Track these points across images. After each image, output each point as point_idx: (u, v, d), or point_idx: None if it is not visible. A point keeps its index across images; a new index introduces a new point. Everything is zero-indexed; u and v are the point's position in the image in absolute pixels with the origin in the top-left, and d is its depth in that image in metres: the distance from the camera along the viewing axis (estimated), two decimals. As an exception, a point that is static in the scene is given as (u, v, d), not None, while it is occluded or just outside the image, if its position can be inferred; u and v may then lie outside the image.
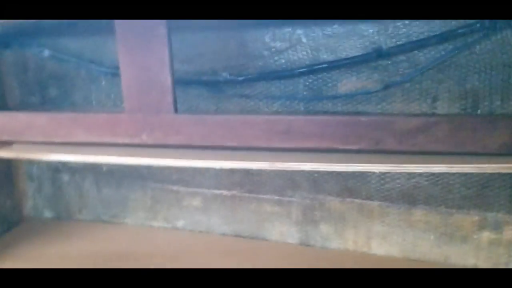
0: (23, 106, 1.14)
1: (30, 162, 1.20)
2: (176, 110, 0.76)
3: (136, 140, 0.79)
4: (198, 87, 1.01)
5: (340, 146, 0.70)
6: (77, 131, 0.81)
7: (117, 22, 0.74)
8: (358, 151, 0.70)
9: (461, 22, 0.83)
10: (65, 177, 1.19)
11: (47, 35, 1.08)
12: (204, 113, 0.80)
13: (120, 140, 0.79)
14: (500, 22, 0.80)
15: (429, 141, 0.67)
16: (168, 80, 0.75)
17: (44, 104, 1.13)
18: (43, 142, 0.83)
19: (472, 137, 0.65)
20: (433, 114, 0.85)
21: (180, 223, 1.14)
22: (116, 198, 1.16)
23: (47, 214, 1.24)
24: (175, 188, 1.11)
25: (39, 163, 1.20)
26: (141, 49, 0.74)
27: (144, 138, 0.78)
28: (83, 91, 1.11)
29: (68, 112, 0.83)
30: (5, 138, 0.85)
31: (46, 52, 1.06)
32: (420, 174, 0.92)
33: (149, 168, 1.11)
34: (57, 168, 1.19)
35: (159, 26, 0.73)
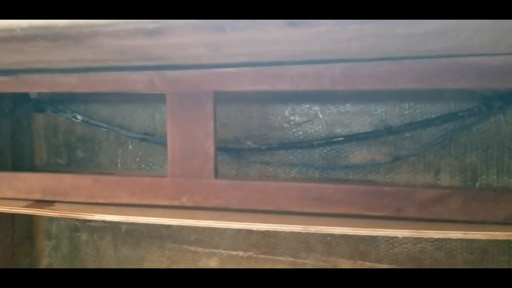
0: (50, 166, 1.19)
1: (50, 221, 1.24)
2: (216, 176, 0.84)
3: (176, 203, 0.86)
4: (221, 153, 1.10)
5: (366, 213, 0.79)
6: (120, 193, 0.87)
7: (168, 95, 0.84)
8: (382, 218, 0.79)
9: (461, 105, 0.96)
10: (83, 237, 1.23)
11: (80, 101, 1.17)
12: (240, 179, 0.88)
13: (161, 202, 0.86)
14: (494, 107, 0.93)
15: (444, 210, 0.76)
16: (211, 149, 0.83)
17: (70, 165, 1.20)
18: (86, 202, 0.89)
19: (482, 208, 0.75)
20: (448, 187, 0.96)
21: (195, 284, 1.17)
22: (133, 258, 1.20)
23: (61, 272, 1.26)
24: (192, 248, 1.16)
25: (58, 222, 1.23)
26: (189, 120, 0.84)
27: (184, 201, 0.85)
28: (109, 154, 1.18)
29: (113, 175, 0.90)
30: (49, 198, 0.90)
31: (79, 117, 1.14)
32: (426, 240, 1.02)
33: (168, 228, 1.17)
34: (75, 227, 1.23)
35: (206, 101, 0.82)
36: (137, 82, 0.84)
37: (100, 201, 0.88)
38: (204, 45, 0.69)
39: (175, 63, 0.83)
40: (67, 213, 0.86)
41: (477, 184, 0.98)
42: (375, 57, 0.75)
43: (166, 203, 0.86)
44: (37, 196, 0.92)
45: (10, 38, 0.65)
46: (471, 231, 0.73)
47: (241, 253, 1.13)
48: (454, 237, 0.74)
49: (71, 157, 1.20)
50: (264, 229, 0.81)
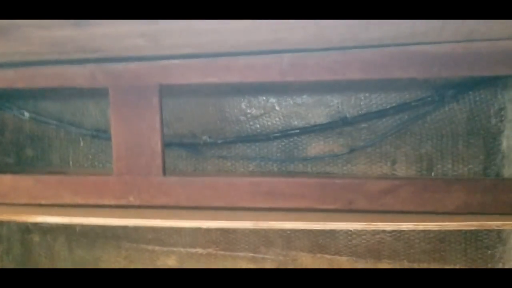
0: (-2, 166, 1.14)
1: (0, 224, 1.18)
2: (164, 173, 0.81)
3: (123, 202, 0.82)
4: (177, 148, 1.07)
5: (318, 206, 0.77)
6: (64, 193, 0.83)
7: (111, 89, 0.80)
8: (334, 211, 0.77)
9: (415, 94, 0.95)
10: (36, 238, 1.18)
11: (28, 98, 1.11)
12: (189, 175, 0.85)
13: (107, 201, 0.82)
14: (447, 96, 0.93)
15: (395, 201, 0.75)
16: (158, 145, 0.80)
17: (20, 164, 1.14)
18: (27, 204, 0.85)
19: (433, 198, 0.75)
20: (399, 177, 0.95)
21: (154, 283, 1.14)
22: (88, 259, 1.16)
23: (14, 276, 1.20)
24: (150, 247, 1.13)
25: (9, 224, 1.18)
26: (134, 115, 0.80)
27: (131, 200, 0.82)
28: (60, 152, 1.13)
29: (55, 175, 0.86)
30: (-13, 200, 0.86)
31: (26, 114, 1.08)
32: (384, 231, 1.01)
33: (124, 228, 1.13)
34: (27, 229, 1.18)
35: (152, 95, 0.79)
36: (77, 76, 0.80)
37: (43, 202, 0.84)
38: (139, 36, 0.65)
39: (117, 56, 0.79)
40: (6, 216, 0.81)
41: (433, 173, 0.97)
42: (322, 47, 0.73)
43: (113, 202, 0.82)
44: (-25, 199, 0.87)
45: None
46: (422, 222, 0.73)
47: (200, 250, 1.10)
48: (406, 229, 0.73)
49: (20, 156, 1.15)
50: (214, 227, 0.79)
